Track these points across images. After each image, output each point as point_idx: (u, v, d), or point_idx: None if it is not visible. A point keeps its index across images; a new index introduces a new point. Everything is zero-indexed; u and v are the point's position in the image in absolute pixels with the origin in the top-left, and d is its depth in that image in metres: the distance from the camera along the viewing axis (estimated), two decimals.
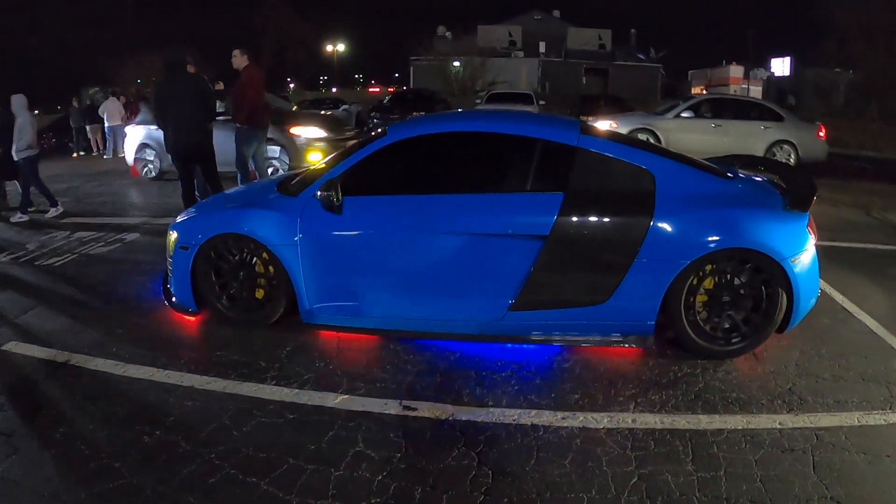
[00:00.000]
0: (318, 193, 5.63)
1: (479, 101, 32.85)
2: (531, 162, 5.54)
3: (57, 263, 8.64)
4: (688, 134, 17.68)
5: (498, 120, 6.47)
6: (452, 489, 3.78)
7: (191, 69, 10.35)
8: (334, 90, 72.53)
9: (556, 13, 76.71)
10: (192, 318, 6.31)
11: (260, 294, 6.04)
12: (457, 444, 4.21)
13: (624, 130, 17.26)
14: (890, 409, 4.72)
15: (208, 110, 9.73)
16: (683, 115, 18.37)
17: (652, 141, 17.33)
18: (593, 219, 5.27)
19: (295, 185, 6.12)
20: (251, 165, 11.01)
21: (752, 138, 17.36)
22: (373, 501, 3.69)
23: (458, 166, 5.96)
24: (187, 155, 9.62)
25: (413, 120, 6.81)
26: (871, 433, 4.40)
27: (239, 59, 10.78)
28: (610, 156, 5.51)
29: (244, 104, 10.58)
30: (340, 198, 5.56)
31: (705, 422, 4.50)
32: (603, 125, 16.72)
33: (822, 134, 17.92)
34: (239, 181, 10.77)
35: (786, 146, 17.42)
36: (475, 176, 5.80)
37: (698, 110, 18.47)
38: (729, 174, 5.86)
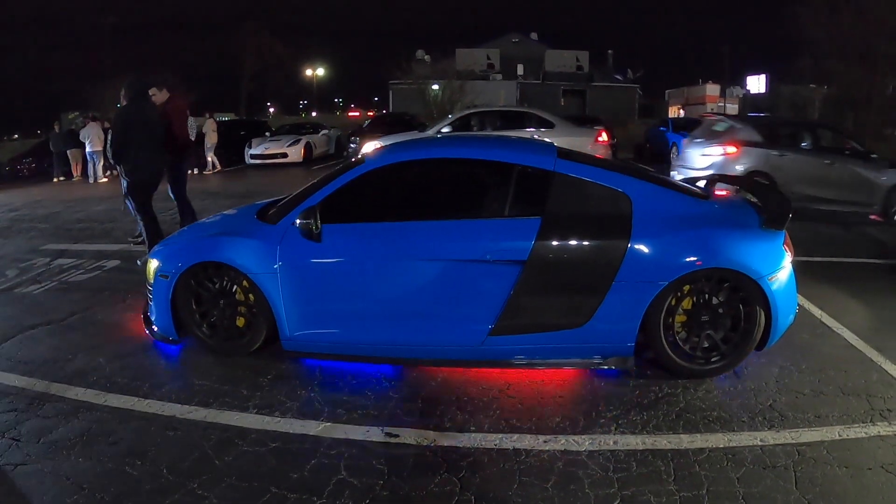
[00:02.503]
0: (298, 221, 5.64)
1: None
2: (508, 187, 5.58)
3: (36, 291, 8.59)
4: None
5: (475, 146, 6.54)
6: None
7: (163, 94, 10.32)
8: (314, 114, 72.65)
9: (534, 35, 76.96)
10: (173, 347, 6.28)
11: (241, 322, 6.02)
12: (439, 470, 4.21)
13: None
14: (870, 421, 4.76)
15: (164, 138, 9.60)
16: (444, 130, 18.65)
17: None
18: (571, 242, 5.31)
19: (274, 212, 6.12)
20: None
21: None
22: None
23: (436, 192, 5.99)
24: (151, 183, 9.50)
25: (390, 147, 6.83)
26: (852, 447, 4.44)
27: (161, 95, 10.46)
28: (586, 179, 5.56)
29: (175, 138, 10.20)
30: (319, 225, 5.57)
31: (687, 441, 4.51)
32: (370, 145, 17.73)
33: (602, 138, 18.18)
34: (181, 215, 10.60)
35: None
36: (453, 202, 5.85)
37: (468, 124, 18.79)
38: (705, 194, 5.91)
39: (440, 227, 5.57)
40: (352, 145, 24.90)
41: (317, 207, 5.63)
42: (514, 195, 5.56)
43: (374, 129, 27.09)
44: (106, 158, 17.99)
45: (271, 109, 75.78)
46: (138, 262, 9.52)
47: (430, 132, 18.80)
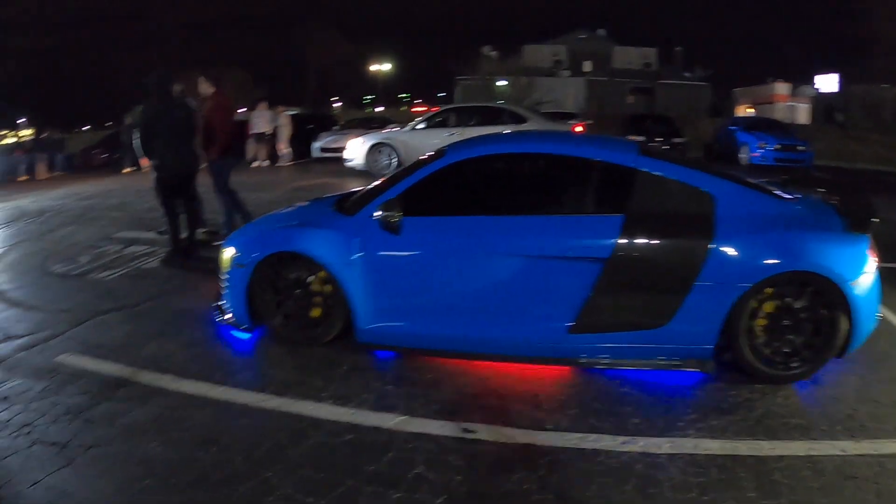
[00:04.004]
0: (377, 213, 5.67)
1: None
2: (590, 183, 5.56)
3: (109, 277, 8.74)
4: (424, 144, 18.06)
5: (557, 141, 6.48)
6: None
7: (206, 89, 10.40)
8: (378, 109, 72.84)
9: (602, 32, 76.64)
10: (246, 335, 6.34)
11: (315, 313, 6.05)
12: (517, 468, 4.17)
13: (367, 145, 18.80)
14: None
15: (194, 134, 9.62)
16: (419, 126, 19.32)
17: (391, 153, 18.68)
18: (653, 241, 5.25)
19: (352, 204, 6.17)
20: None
21: None
22: None
23: (517, 187, 6.00)
24: (174, 179, 9.46)
25: (471, 140, 6.82)
26: None
27: (204, 86, 10.51)
28: (669, 177, 5.49)
29: (215, 135, 10.13)
30: (399, 218, 5.58)
31: (767, 448, 4.42)
32: (354, 142, 19.53)
33: (577, 132, 18.14)
34: (224, 212, 10.62)
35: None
36: (534, 197, 5.83)
37: (443, 120, 19.31)
38: (788, 196, 5.79)
39: (521, 222, 5.55)
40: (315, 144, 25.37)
41: (396, 200, 5.65)
42: (597, 192, 5.54)
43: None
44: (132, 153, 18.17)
45: (337, 104, 76.03)
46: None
47: (407, 128, 19.58)
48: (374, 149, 18.96)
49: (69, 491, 3.98)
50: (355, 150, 19.43)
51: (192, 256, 9.59)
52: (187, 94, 11.07)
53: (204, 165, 10.11)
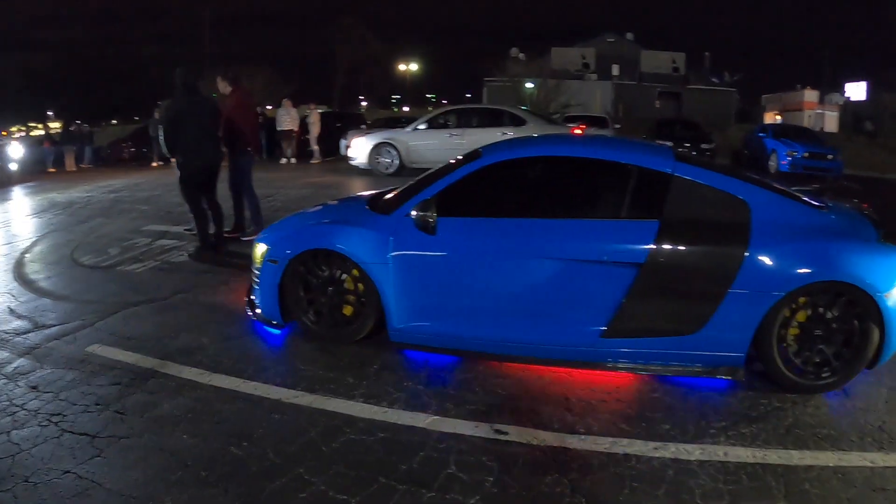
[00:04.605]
0: (413, 213, 5.71)
1: None
2: (626, 188, 5.55)
3: (139, 269, 8.82)
4: (426, 144, 18.76)
5: (592, 145, 6.53)
6: None
7: (225, 87, 10.50)
8: (405, 109, 72.90)
9: (630, 36, 76.36)
10: (277, 331, 6.38)
11: (348, 310, 6.10)
12: (549, 471, 4.19)
13: (370, 144, 19.43)
14: None
15: (218, 131, 9.69)
16: (420, 127, 19.59)
17: (393, 153, 19.05)
18: (688, 247, 5.26)
19: (387, 203, 6.22)
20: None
21: None
22: None
23: (554, 190, 6.02)
24: (199, 176, 9.48)
25: (507, 142, 6.85)
26: None
27: (222, 85, 10.60)
28: (705, 184, 5.49)
29: (237, 133, 10.29)
30: (435, 218, 5.62)
31: (797, 457, 4.42)
32: (358, 141, 19.89)
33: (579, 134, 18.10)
34: (248, 208, 10.71)
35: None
36: (570, 201, 5.84)
37: (444, 121, 19.70)
38: (823, 205, 5.78)
39: (557, 225, 5.57)
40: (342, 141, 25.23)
41: (432, 200, 5.69)
42: (633, 197, 5.54)
43: None
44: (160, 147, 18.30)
45: (364, 103, 76.09)
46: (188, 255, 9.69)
47: (409, 129, 19.75)
48: (377, 148, 19.19)
49: (100, 481, 4.01)
50: (359, 149, 19.67)
51: (220, 252, 9.65)
52: (213, 91, 11.12)
53: (225, 163, 10.15)
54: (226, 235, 10.07)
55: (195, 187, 9.47)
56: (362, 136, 20.37)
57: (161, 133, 9.45)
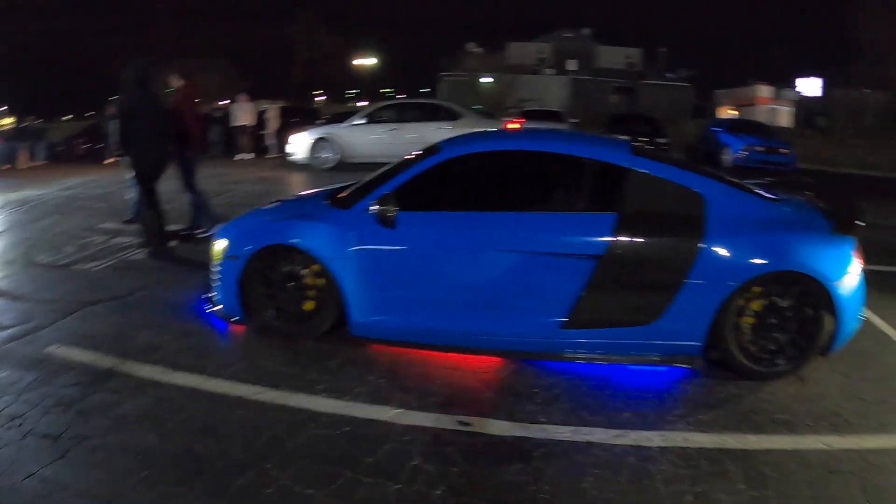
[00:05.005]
0: (373, 207, 5.73)
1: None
2: (584, 182, 5.64)
3: (96, 268, 8.69)
4: (363, 139, 19.11)
5: (551, 139, 6.58)
6: None
7: (176, 82, 10.41)
8: (360, 104, 72.52)
9: (586, 31, 76.86)
10: (237, 328, 6.36)
11: (309, 306, 6.08)
12: (513, 460, 4.25)
13: (310, 139, 19.57)
14: None
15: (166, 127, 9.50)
16: (357, 122, 19.90)
17: (332, 148, 19.26)
18: (645, 239, 5.37)
19: (346, 197, 6.22)
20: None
21: (427, 137, 18.13)
22: None
23: (513, 184, 6.07)
24: (153, 172, 9.35)
25: (466, 136, 6.89)
26: None
27: (174, 79, 10.55)
28: (661, 177, 5.60)
29: (182, 129, 9.99)
30: (395, 212, 5.64)
31: (754, 441, 4.55)
32: (297, 136, 19.89)
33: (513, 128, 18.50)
34: (194, 205, 10.52)
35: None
36: (529, 194, 5.92)
37: (381, 116, 19.94)
38: (776, 197, 5.90)
39: (516, 218, 5.63)
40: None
41: (392, 194, 5.72)
42: (590, 190, 5.63)
43: None
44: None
45: (321, 97, 75.57)
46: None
47: (346, 124, 19.94)
48: (315, 143, 19.30)
49: (65, 483, 3.95)
50: (298, 144, 19.73)
51: (168, 248, 9.62)
52: (165, 86, 11.02)
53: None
54: (184, 234, 9.99)
55: (150, 185, 9.37)
56: (302, 131, 20.45)
57: (114, 128, 9.24)
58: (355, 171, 16.53)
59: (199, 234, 10.18)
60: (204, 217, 10.37)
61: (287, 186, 16.32)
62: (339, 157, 19.02)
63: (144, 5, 73.05)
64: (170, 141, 9.58)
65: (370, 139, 19.04)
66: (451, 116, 19.10)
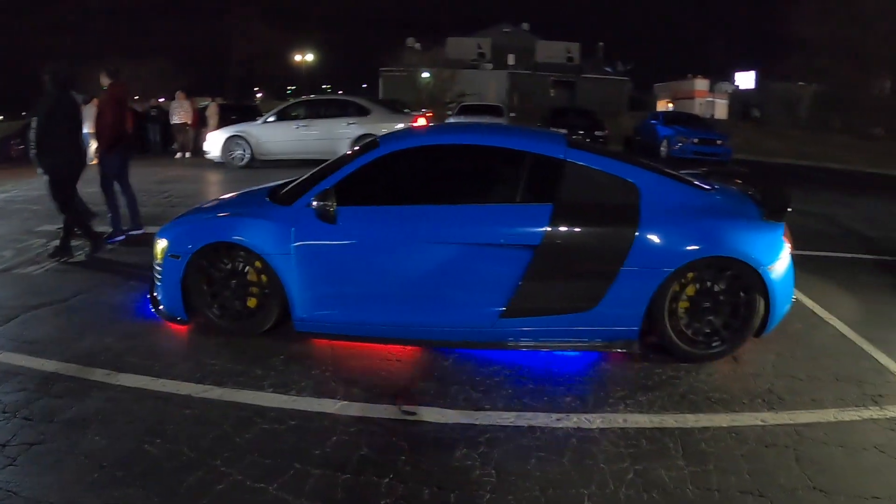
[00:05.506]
0: (313, 203, 5.75)
1: (449, 112, 33.29)
2: (521, 174, 5.73)
3: (36, 272, 8.56)
4: (275, 136, 19.34)
5: (488, 133, 6.68)
6: (458, 489, 3.91)
7: (104, 81, 10.29)
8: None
9: (525, 26, 77.16)
10: (181, 327, 6.34)
11: (252, 303, 6.10)
12: (458, 446, 4.34)
13: (223, 137, 19.64)
14: (863, 406, 5.01)
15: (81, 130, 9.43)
16: (269, 119, 20.05)
17: (245, 145, 19.29)
18: (581, 229, 5.49)
19: (287, 193, 6.24)
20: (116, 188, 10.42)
21: (336, 134, 18.82)
22: (384, 502, 3.79)
23: (451, 177, 6.17)
24: (71, 178, 9.21)
25: (404, 132, 6.96)
26: (847, 429, 4.68)
27: (102, 77, 10.41)
28: (596, 168, 5.73)
29: (105, 127, 10.01)
30: (335, 208, 5.68)
31: (692, 420, 4.72)
32: (213, 135, 20.04)
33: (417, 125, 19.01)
34: (126, 206, 10.45)
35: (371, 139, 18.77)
36: (467, 187, 6.02)
37: (292, 113, 20.03)
38: (710, 187, 6.08)
39: (454, 211, 5.71)
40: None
41: (332, 190, 5.74)
42: (527, 182, 5.71)
43: None
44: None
45: (259, 94, 74.74)
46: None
47: (258, 121, 20.18)
48: (229, 141, 19.33)
49: (15, 490, 3.90)
50: (213, 142, 19.73)
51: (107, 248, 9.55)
52: (84, 86, 10.83)
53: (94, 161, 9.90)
54: (105, 236, 9.89)
55: (68, 191, 9.22)
56: (218, 130, 20.48)
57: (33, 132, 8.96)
58: (275, 168, 16.75)
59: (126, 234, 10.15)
60: (117, 217, 10.27)
61: (218, 186, 16.22)
62: (251, 154, 19.13)
63: (79, 3, 71.58)
64: (83, 144, 9.44)
65: (281, 136, 19.18)
66: (361, 112, 19.20)
